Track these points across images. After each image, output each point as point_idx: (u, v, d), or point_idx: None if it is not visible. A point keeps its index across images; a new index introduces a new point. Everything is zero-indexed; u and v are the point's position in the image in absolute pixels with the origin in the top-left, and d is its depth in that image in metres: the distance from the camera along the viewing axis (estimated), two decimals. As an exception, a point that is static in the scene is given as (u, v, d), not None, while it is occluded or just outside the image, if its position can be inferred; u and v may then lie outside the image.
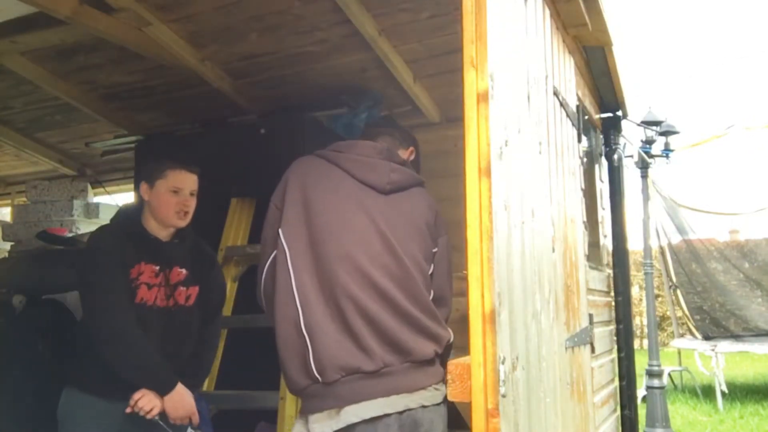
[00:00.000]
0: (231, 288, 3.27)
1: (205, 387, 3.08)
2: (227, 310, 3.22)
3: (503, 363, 1.30)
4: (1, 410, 3.01)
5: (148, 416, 2.20)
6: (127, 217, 2.50)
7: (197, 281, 2.49)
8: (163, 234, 2.45)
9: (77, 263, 2.47)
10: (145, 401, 2.21)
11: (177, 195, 2.42)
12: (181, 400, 2.29)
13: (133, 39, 2.89)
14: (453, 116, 3.47)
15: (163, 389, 2.26)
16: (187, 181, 2.47)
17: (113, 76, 3.42)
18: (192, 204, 2.48)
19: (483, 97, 1.37)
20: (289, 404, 2.80)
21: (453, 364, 1.32)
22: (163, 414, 2.24)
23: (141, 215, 2.45)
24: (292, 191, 1.89)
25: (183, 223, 2.46)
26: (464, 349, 1.33)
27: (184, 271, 2.46)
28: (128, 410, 2.20)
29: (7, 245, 4.37)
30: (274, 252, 1.85)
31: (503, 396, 1.28)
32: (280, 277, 1.82)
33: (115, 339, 2.25)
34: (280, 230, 1.84)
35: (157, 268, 2.39)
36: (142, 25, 2.84)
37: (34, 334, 3.08)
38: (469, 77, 1.38)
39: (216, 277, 2.63)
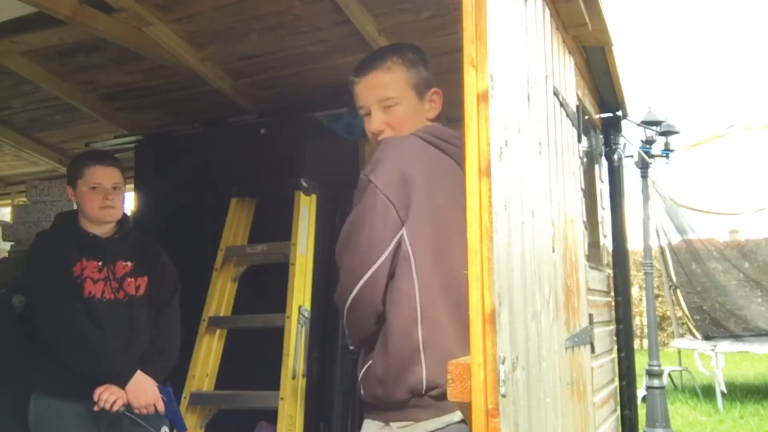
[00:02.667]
0: (231, 288, 3.27)
1: (205, 387, 3.08)
2: (227, 310, 3.22)
3: (503, 363, 1.30)
4: (1, 410, 3.01)
5: (113, 409, 2.22)
6: (65, 221, 2.56)
7: (145, 272, 2.53)
8: (101, 232, 2.50)
9: (21, 270, 2.52)
10: (107, 394, 2.23)
11: (97, 191, 2.45)
12: (142, 388, 2.30)
13: (133, 39, 2.89)
14: (453, 116, 3.46)
15: (122, 379, 2.28)
16: (105, 176, 2.48)
17: (113, 76, 3.42)
18: (116, 198, 2.50)
19: (483, 97, 1.37)
20: (289, 404, 2.80)
21: (453, 364, 1.32)
22: (128, 406, 2.27)
23: (77, 218, 2.51)
24: (417, 185, 1.59)
25: (111, 217, 2.49)
26: (464, 349, 1.33)
27: (129, 263, 2.50)
28: (95, 408, 2.22)
29: (7, 245, 4.37)
30: (384, 255, 1.56)
31: (503, 396, 1.28)
32: (400, 288, 1.57)
33: (65, 334, 2.28)
34: (404, 233, 1.57)
35: (100, 263, 2.43)
36: (142, 25, 2.84)
37: (34, 334, 3.08)
38: (469, 77, 1.38)
39: (164, 266, 2.65)
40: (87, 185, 2.45)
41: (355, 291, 1.58)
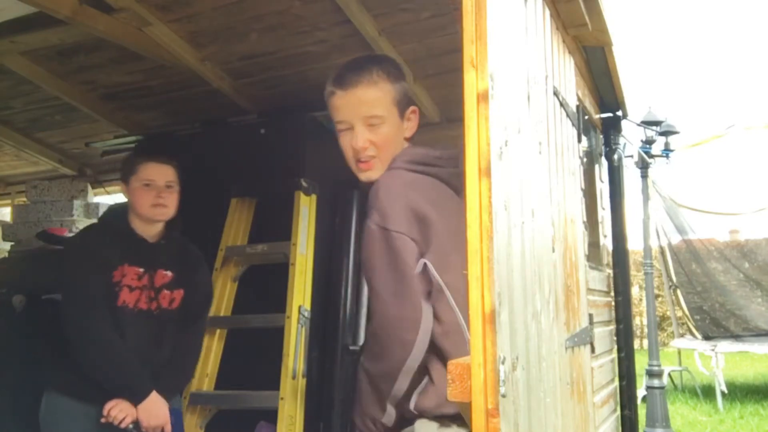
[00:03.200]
0: (231, 288, 3.27)
1: (205, 387, 3.08)
2: (227, 310, 3.22)
3: (503, 363, 1.30)
4: (1, 410, 3.01)
5: (122, 425, 2.19)
6: (115, 217, 2.49)
7: (182, 284, 2.47)
8: (149, 233, 2.44)
9: (61, 261, 2.45)
10: (117, 410, 2.20)
11: (150, 188, 2.40)
12: (155, 409, 2.26)
13: (133, 39, 2.89)
14: (453, 116, 3.47)
15: (136, 397, 2.24)
16: (159, 173, 2.43)
17: (113, 76, 3.42)
18: (169, 197, 2.44)
19: (483, 97, 1.37)
20: (289, 404, 2.80)
21: (453, 364, 1.32)
22: (137, 423, 2.23)
23: (128, 215, 2.45)
24: (430, 218, 1.53)
25: (162, 216, 2.43)
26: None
27: (169, 273, 2.44)
28: (102, 420, 2.20)
29: (7, 245, 4.37)
30: (425, 308, 1.48)
31: (503, 396, 1.28)
32: (447, 320, 1.49)
33: (90, 344, 2.24)
34: (429, 266, 1.49)
35: (141, 270, 2.38)
36: (142, 25, 2.84)
37: (34, 334, 3.08)
38: (469, 77, 1.38)
39: (202, 279, 2.60)
40: (140, 182, 2.40)
41: (409, 359, 1.46)
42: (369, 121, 1.59)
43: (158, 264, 2.43)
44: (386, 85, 1.60)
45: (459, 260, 1.48)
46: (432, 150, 1.69)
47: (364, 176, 1.63)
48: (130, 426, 2.22)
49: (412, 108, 1.68)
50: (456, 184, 1.66)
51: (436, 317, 1.50)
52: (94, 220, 4.30)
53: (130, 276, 2.35)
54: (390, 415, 1.54)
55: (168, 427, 2.31)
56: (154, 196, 2.39)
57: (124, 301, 2.33)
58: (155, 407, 2.27)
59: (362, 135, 1.58)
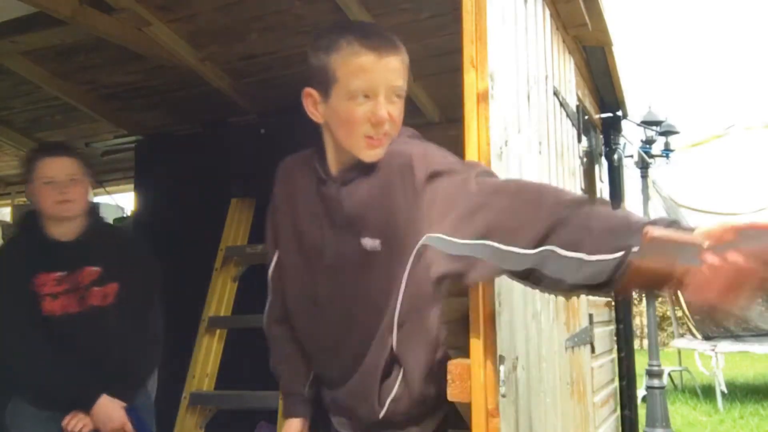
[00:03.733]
0: (231, 288, 3.27)
1: (205, 387, 3.08)
2: (227, 310, 3.22)
3: (503, 363, 1.30)
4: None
5: None
6: (26, 226, 2.34)
7: (114, 277, 2.29)
8: (65, 233, 2.27)
9: None
10: (74, 423, 2.13)
11: (53, 185, 2.23)
12: (107, 413, 2.16)
13: (133, 39, 2.89)
14: (453, 116, 3.47)
15: (83, 405, 2.15)
16: (59, 168, 2.26)
17: (113, 76, 3.42)
18: (73, 190, 2.27)
19: (483, 97, 1.37)
20: (289, 404, 2.80)
21: (453, 364, 1.32)
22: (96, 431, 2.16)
23: (40, 218, 2.29)
24: None
25: (68, 212, 2.26)
26: (464, 349, 1.33)
27: (95, 269, 2.27)
28: None
29: (7, 245, 4.37)
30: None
31: (503, 396, 1.28)
32: None
33: (20, 362, 2.15)
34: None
35: (61, 274, 2.23)
36: (142, 25, 2.84)
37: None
38: (469, 77, 1.38)
39: (138, 264, 2.38)
40: (40, 180, 2.23)
41: None
42: (394, 91, 1.39)
43: (81, 262, 2.26)
44: (405, 59, 1.42)
45: None
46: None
47: (371, 154, 1.40)
48: None
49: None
50: None
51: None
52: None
53: (50, 284, 2.22)
54: None
55: (128, 427, 2.20)
56: (57, 193, 2.23)
57: (49, 311, 2.21)
58: (107, 411, 2.16)
59: (384, 106, 1.37)
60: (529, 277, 1.15)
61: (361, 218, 1.40)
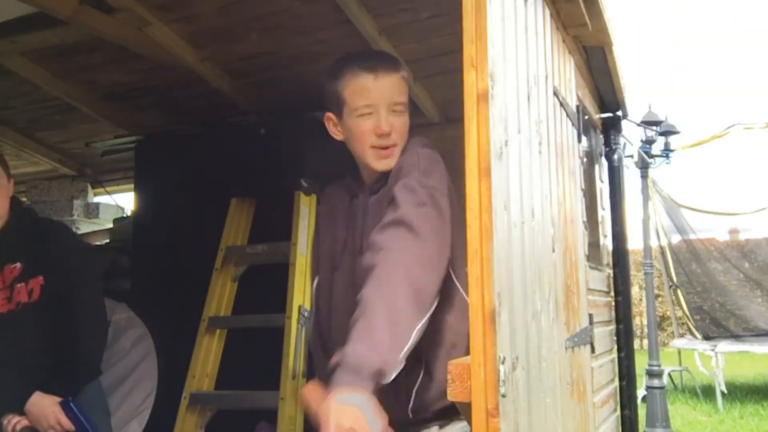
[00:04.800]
0: (231, 288, 3.27)
1: (205, 387, 3.08)
2: (227, 310, 3.22)
3: (503, 363, 1.30)
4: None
5: (16, 429, 2.12)
6: None
7: (38, 270, 2.22)
8: None
9: None
10: (11, 424, 2.11)
11: None
12: (40, 411, 2.12)
13: (133, 39, 2.89)
14: (453, 116, 3.47)
15: (15, 408, 2.13)
16: None
17: (113, 76, 3.42)
18: None
19: (483, 97, 1.37)
20: (289, 404, 2.80)
21: (453, 364, 1.32)
22: (30, 427, 2.14)
23: None
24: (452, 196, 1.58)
25: None
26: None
27: (17, 265, 2.22)
28: None
29: (7, 245, 4.36)
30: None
31: (503, 396, 1.28)
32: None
33: None
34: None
35: None
36: (142, 25, 2.84)
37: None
38: (469, 77, 1.38)
39: (62, 255, 2.29)
40: None
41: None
42: (395, 107, 1.60)
43: (2, 259, 2.22)
44: (407, 78, 1.65)
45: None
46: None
47: (382, 164, 1.60)
48: (26, 430, 2.14)
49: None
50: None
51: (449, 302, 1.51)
52: (95, 220, 4.30)
53: None
54: None
55: (65, 421, 2.15)
56: None
57: None
58: (40, 408, 2.12)
59: (387, 120, 1.58)
60: None
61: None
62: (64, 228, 2.46)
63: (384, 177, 1.59)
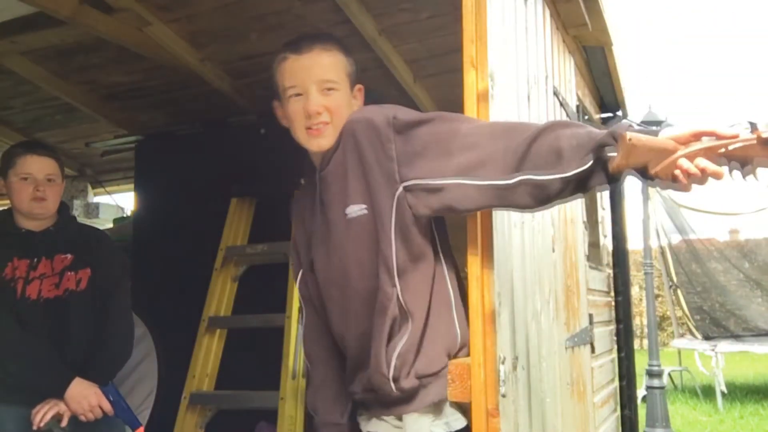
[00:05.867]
0: (231, 288, 3.27)
1: (205, 387, 3.08)
2: (227, 310, 3.22)
3: (503, 363, 1.31)
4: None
5: (44, 422, 2.13)
6: (2, 215, 2.40)
7: (86, 263, 2.36)
8: (34, 225, 2.34)
9: None
10: (41, 414, 2.12)
11: (28, 181, 2.29)
12: (82, 393, 2.17)
13: (133, 39, 2.89)
14: (453, 116, 3.47)
15: (59, 390, 2.16)
16: (38, 166, 2.32)
17: (113, 76, 3.42)
18: (49, 190, 2.32)
19: (483, 97, 1.37)
20: (289, 404, 2.80)
21: (453, 364, 1.32)
22: (57, 421, 2.15)
23: (11, 214, 2.36)
24: None
25: (41, 209, 2.32)
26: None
27: (68, 256, 2.34)
28: (34, 428, 2.12)
29: (7, 245, 4.37)
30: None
31: (503, 396, 1.28)
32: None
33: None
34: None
35: (32, 261, 2.29)
36: (142, 25, 2.84)
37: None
38: (469, 77, 1.38)
39: (108, 254, 2.46)
40: (18, 175, 2.29)
41: None
42: (324, 85, 1.54)
43: (54, 250, 2.32)
44: (339, 54, 1.58)
45: None
46: None
47: (315, 144, 1.56)
48: (50, 423, 2.14)
49: (358, 86, 1.63)
50: None
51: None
52: (95, 220, 4.29)
53: (22, 268, 2.27)
54: None
55: (105, 404, 2.21)
56: (32, 189, 2.29)
57: (25, 294, 2.25)
58: (81, 391, 2.17)
59: (316, 99, 1.53)
60: (513, 203, 1.28)
61: (342, 192, 1.48)
62: (105, 232, 2.59)
63: (330, 152, 1.54)
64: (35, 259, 2.29)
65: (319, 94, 1.54)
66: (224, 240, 3.28)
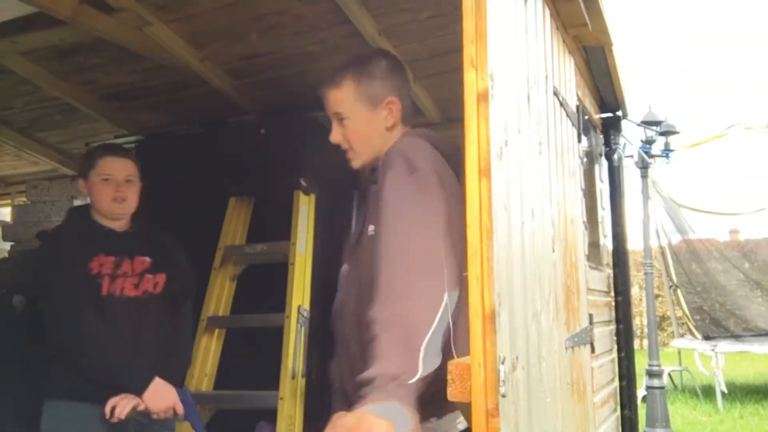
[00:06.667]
0: (230, 287, 3.27)
1: (204, 387, 3.08)
2: (226, 309, 3.22)
3: (503, 363, 1.30)
4: (0, 410, 3.01)
5: (122, 417, 2.15)
6: (78, 215, 2.47)
7: (162, 268, 2.45)
8: (115, 225, 2.42)
9: (33, 266, 2.40)
10: (120, 407, 2.16)
11: (109, 182, 2.38)
12: (160, 392, 2.23)
13: (133, 39, 2.89)
14: (453, 116, 3.47)
15: (140, 385, 2.21)
16: (118, 167, 2.41)
17: (113, 76, 3.42)
18: (129, 190, 2.41)
19: (483, 97, 1.37)
20: (288, 404, 2.80)
21: (453, 364, 1.32)
22: (141, 411, 2.20)
23: (90, 212, 2.44)
24: (448, 183, 1.60)
25: (122, 210, 2.41)
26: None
27: (147, 259, 2.42)
28: (107, 419, 2.15)
29: (7, 245, 4.37)
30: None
31: (503, 396, 1.28)
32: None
33: (82, 343, 2.19)
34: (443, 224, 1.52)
35: (117, 259, 2.35)
36: (142, 25, 2.84)
37: (34, 334, 3.08)
38: (469, 77, 1.38)
39: (181, 262, 2.58)
40: (99, 176, 2.38)
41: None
42: (337, 117, 1.81)
43: (134, 251, 2.41)
44: (350, 84, 1.78)
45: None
46: (439, 134, 1.87)
47: (352, 165, 1.84)
48: (130, 414, 2.17)
49: (388, 99, 1.79)
50: (456, 169, 1.71)
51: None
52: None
53: (108, 265, 2.33)
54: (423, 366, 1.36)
55: (179, 407, 2.28)
56: (113, 190, 2.37)
57: (110, 291, 2.30)
58: (160, 390, 2.24)
59: (336, 130, 1.82)
60: None
61: (369, 211, 1.70)
62: (175, 240, 2.65)
63: (371, 175, 1.78)
64: (118, 258, 2.36)
65: (337, 124, 1.82)
66: (222, 239, 3.28)
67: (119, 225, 2.44)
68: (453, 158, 1.72)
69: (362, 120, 1.76)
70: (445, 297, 1.41)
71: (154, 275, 2.42)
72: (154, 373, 2.26)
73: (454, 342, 1.40)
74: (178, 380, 2.38)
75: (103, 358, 2.22)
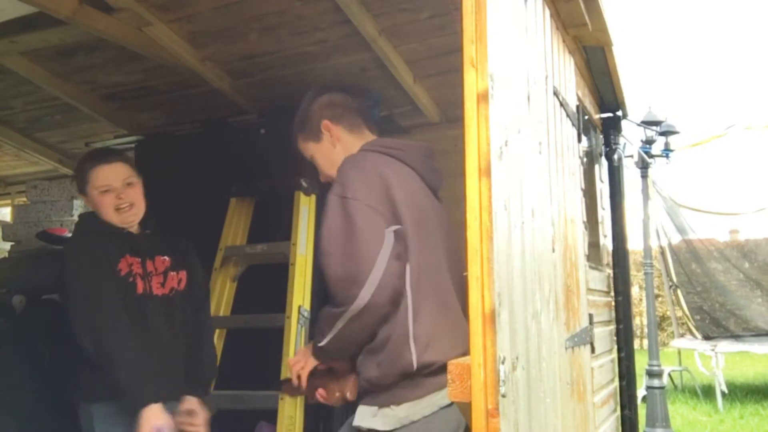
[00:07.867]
0: (230, 288, 3.27)
1: (204, 387, 3.08)
2: (227, 310, 3.22)
3: (503, 363, 1.31)
4: (0, 411, 3.01)
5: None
6: (92, 219, 2.39)
7: (182, 266, 2.43)
8: (130, 228, 2.38)
9: (63, 267, 2.31)
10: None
11: (109, 192, 2.28)
12: (193, 410, 2.26)
13: (133, 39, 2.89)
14: (453, 116, 3.46)
15: (167, 388, 2.18)
16: (113, 174, 2.30)
17: (113, 76, 3.42)
18: (131, 194, 2.32)
19: (483, 97, 1.37)
20: (289, 404, 2.80)
21: (453, 364, 1.32)
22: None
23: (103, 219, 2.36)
24: (394, 184, 1.80)
25: (131, 216, 2.33)
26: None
27: (167, 258, 2.39)
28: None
29: (7, 245, 4.36)
30: (386, 258, 1.70)
31: (503, 396, 1.28)
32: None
33: (107, 354, 2.10)
34: (395, 232, 1.74)
35: (140, 259, 2.32)
36: (142, 25, 2.84)
37: (34, 334, 3.08)
38: (469, 77, 1.38)
39: (196, 262, 2.56)
40: (96, 189, 2.28)
41: (367, 297, 1.68)
42: (312, 161, 2.22)
43: (154, 251, 2.36)
44: (300, 140, 2.19)
45: (427, 241, 1.79)
46: (398, 139, 2.06)
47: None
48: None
49: (323, 124, 2.09)
50: (425, 173, 1.92)
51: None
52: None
53: (137, 265, 2.28)
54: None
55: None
56: (114, 199, 2.28)
57: (144, 289, 2.26)
58: (193, 406, 2.28)
59: (319, 172, 2.21)
60: None
61: None
62: (187, 240, 2.64)
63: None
64: (140, 259, 2.31)
65: (317, 167, 2.23)
66: (223, 240, 3.28)
67: (135, 227, 2.40)
68: (421, 166, 1.91)
69: (320, 154, 2.12)
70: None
71: (177, 272, 2.39)
72: (181, 375, 2.28)
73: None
74: (207, 389, 2.41)
75: (140, 360, 2.12)
